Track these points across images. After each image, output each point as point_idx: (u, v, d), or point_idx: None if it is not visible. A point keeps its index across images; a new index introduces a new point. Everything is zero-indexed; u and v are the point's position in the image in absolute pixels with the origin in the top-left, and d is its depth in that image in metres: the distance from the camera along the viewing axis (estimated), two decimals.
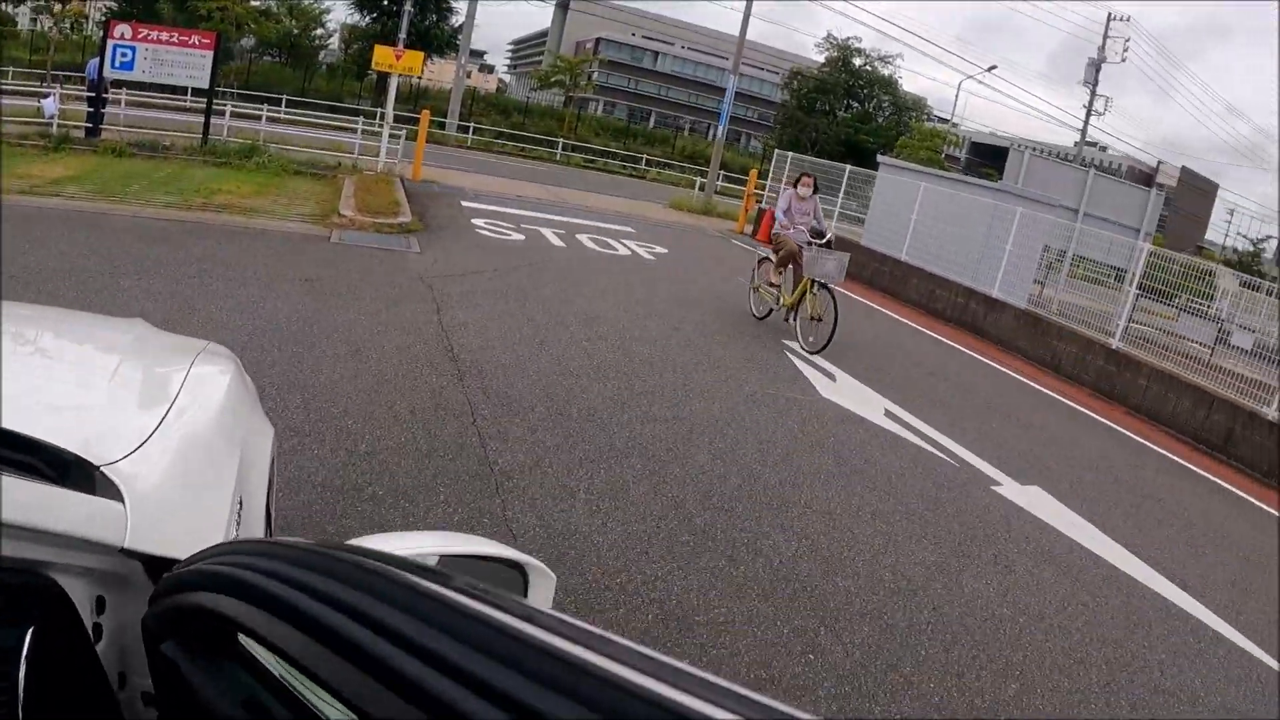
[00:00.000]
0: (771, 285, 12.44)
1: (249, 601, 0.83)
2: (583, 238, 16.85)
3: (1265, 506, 10.65)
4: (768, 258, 12.80)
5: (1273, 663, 6.07)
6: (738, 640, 4.49)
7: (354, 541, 1.16)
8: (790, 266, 12.10)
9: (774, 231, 12.67)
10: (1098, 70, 49.65)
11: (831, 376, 10.46)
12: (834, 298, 11.25)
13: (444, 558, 1.31)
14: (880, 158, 24.37)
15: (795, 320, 11.91)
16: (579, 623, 0.64)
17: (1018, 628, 5.45)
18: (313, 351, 7.46)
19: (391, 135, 22.07)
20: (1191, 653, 5.83)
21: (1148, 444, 11.96)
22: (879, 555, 5.93)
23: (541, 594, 1.41)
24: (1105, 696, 4.95)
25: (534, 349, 8.78)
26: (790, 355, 11.04)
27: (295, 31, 51.73)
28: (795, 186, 12.61)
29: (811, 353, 11.15)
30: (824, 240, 12.04)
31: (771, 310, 12.69)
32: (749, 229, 25.15)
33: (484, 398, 7.12)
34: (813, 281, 11.48)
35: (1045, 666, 5.08)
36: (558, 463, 6.14)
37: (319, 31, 54.76)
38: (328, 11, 53.51)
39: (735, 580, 5.09)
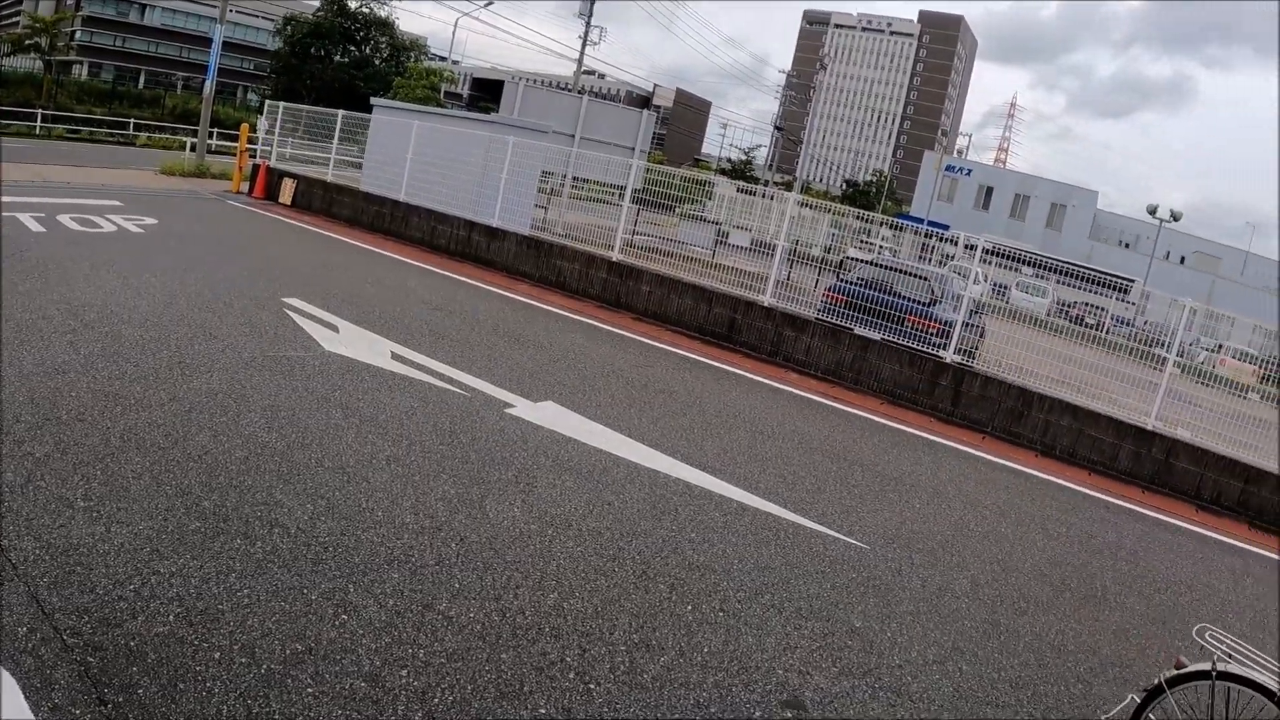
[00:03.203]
0: None
1: None
2: (64, 218, 15.35)
3: (770, 382, 12.39)
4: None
5: (791, 515, 6.93)
6: (267, 619, 4.35)
7: None
8: None
9: None
10: (592, 2, 53.02)
11: (334, 328, 10.37)
12: None
13: None
14: (374, 100, 24.46)
15: None
16: None
17: (547, 540, 5.75)
18: None
19: None
20: (719, 526, 6.57)
21: (656, 344, 13.24)
22: (398, 500, 5.99)
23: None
24: (643, 585, 5.36)
25: (14, 351, 7.85)
26: (289, 312, 10.77)
27: None
28: None
29: None
30: None
31: None
32: (245, 187, 24.47)
33: None
34: None
35: (580, 571, 5.41)
36: (50, 474, 5.56)
37: None
38: None
39: (255, 558, 4.92)
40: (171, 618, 4.26)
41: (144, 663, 3.90)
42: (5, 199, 16.66)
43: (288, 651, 4.14)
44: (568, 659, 4.47)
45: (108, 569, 4.61)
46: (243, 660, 4.02)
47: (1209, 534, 11.24)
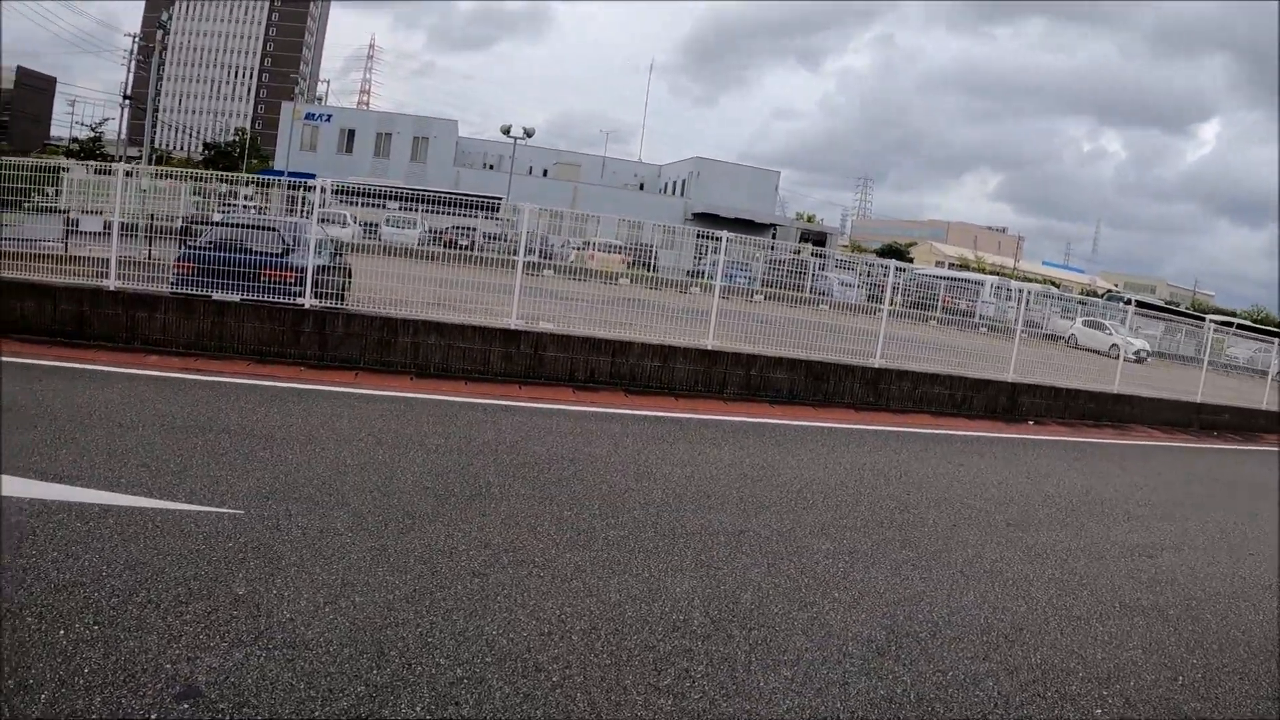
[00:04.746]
0: None
1: None
2: None
3: (128, 370, 11.85)
4: None
5: (158, 502, 6.74)
6: None
7: None
8: None
9: None
10: None
11: None
12: None
13: None
14: None
15: None
16: None
17: None
18: None
19: None
20: (83, 536, 6.12)
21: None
22: None
23: None
24: (10, 623, 4.92)
25: None
26: None
27: None
28: None
29: None
30: None
31: None
32: None
33: None
34: None
35: None
36: None
37: None
38: None
39: None
40: None
41: None
42: None
43: None
44: None
45: None
46: None
47: (587, 409, 12.36)
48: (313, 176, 27.44)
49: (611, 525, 7.55)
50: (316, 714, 4.37)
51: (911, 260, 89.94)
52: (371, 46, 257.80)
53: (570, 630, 5.49)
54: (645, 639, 5.52)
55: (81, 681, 4.44)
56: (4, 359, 11.82)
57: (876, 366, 16.40)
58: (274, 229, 14.38)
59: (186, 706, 4.33)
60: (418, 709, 4.50)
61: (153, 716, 4.23)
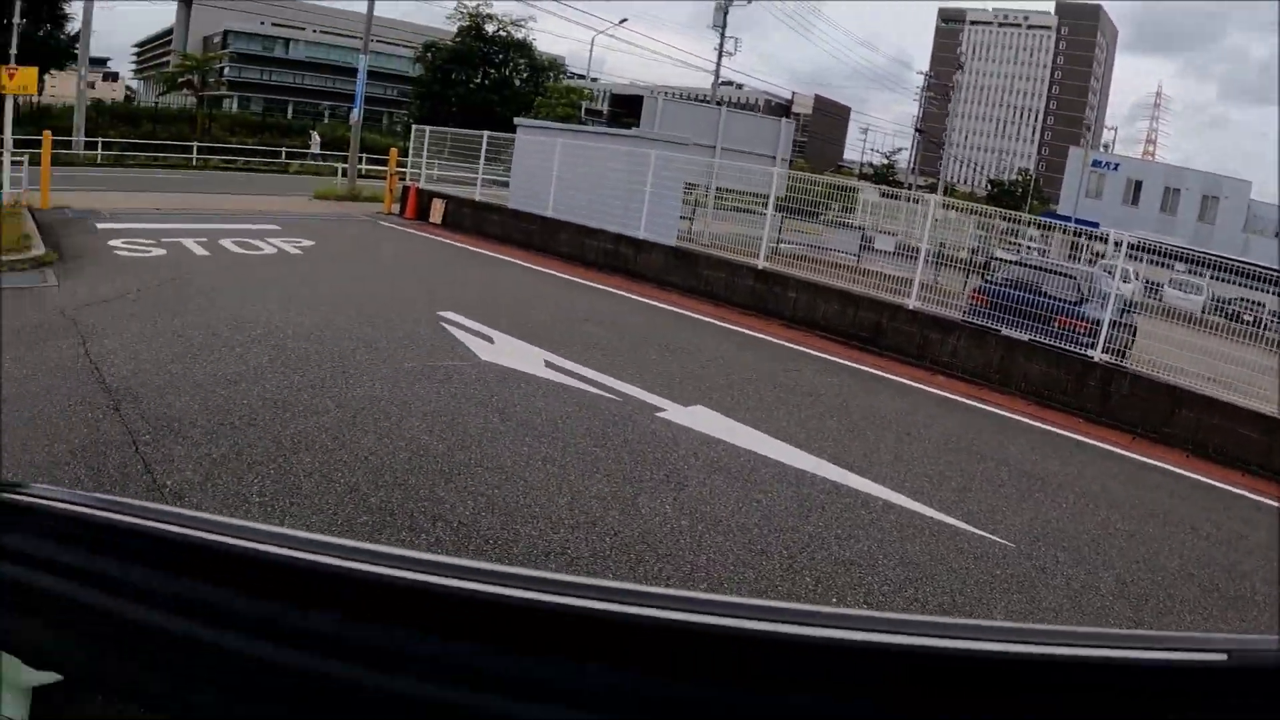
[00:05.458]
0: None
1: None
2: (226, 242, 16.20)
3: (916, 384, 12.52)
4: None
5: (937, 514, 7.04)
6: None
7: None
8: None
9: None
10: (725, 14, 53.36)
11: (489, 339, 10.77)
12: None
13: None
14: (517, 119, 25.09)
15: None
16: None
17: (697, 535, 6.00)
18: None
19: (14, 162, 20.31)
20: (864, 523, 6.76)
21: (803, 349, 13.47)
22: (554, 497, 6.30)
23: None
24: (790, 577, 5.58)
25: (187, 364, 8.45)
26: (446, 325, 11.24)
27: None
28: None
29: None
30: None
31: None
32: (396, 208, 25.35)
33: (143, 423, 6.79)
34: None
35: (728, 563, 5.65)
36: (227, 473, 6.05)
37: None
38: None
39: (420, 548, 5.21)
40: None
41: None
42: (172, 225, 17.52)
43: None
44: None
45: None
46: None
47: None
48: (1096, 225, 26.75)
49: None
50: None
51: None
52: (1158, 95, 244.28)
53: None
54: None
55: None
56: (808, 351, 13.13)
57: None
58: (1072, 277, 14.35)
59: None
60: None
61: None
